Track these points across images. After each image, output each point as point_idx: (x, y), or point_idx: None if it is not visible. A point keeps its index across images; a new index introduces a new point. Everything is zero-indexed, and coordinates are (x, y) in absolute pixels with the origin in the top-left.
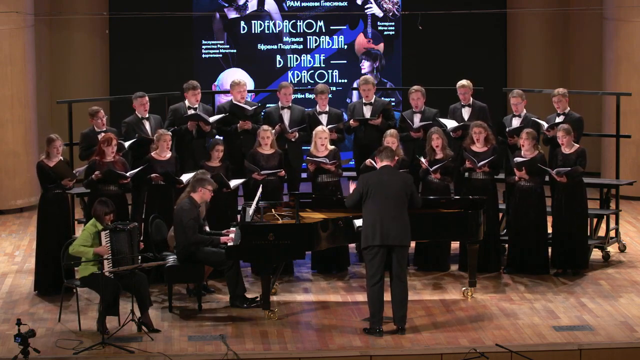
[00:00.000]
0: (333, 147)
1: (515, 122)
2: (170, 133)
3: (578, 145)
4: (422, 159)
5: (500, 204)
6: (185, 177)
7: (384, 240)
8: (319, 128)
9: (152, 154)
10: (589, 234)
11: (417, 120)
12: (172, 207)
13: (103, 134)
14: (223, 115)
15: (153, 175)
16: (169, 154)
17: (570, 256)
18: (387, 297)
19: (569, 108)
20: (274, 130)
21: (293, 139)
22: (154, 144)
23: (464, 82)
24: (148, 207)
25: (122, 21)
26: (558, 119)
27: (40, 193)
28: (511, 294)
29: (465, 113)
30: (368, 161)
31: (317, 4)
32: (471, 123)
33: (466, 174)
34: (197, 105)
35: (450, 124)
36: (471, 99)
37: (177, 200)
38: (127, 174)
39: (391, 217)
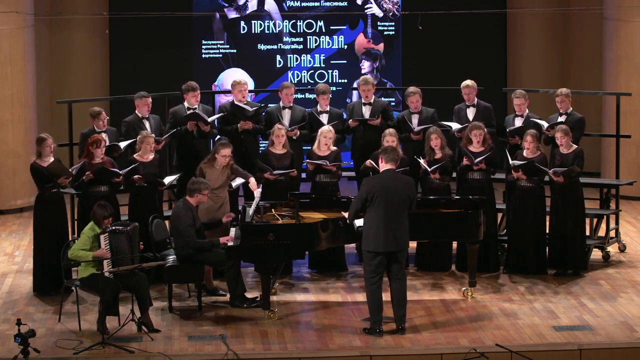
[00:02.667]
0: (335, 148)
1: (518, 122)
2: (153, 135)
3: (576, 146)
4: (421, 160)
5: (498, 204)
6: (168, 180)
7: (387, 247)
8: (325, 127)
9: (134, 155)
10: (588, 234)
11: (415, 121)
12: (156, 208)
13: (91, 137)
14: (222, 114)
15: (135, 176)
16: (151, 156)
17: (568, 256)
18: (387, 297)
19: (571, 108)
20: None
21: (294, 137)
22: (137, 145)
23: (468, 82)
24: (132, 209)
25: (122, 21)
26: (560, 119)
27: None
28: (511, 294)
29: (470, 113)
30: (368, 162)
31: (317, 4)
32: (469, 124)
33: (468, 175)
34: (196, 106)
35: (453, 126)
36: (475, 99)
37: (164, 200)
38: (121, 172)
39: (395, 223)
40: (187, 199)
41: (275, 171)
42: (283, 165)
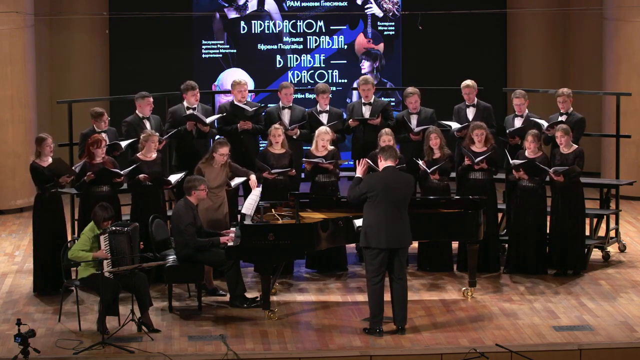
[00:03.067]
0: (332, 147)
1: (518, 122)
2: (157, 134)
3: (576, 146)
4: (420, 161)
5: (499, 204)
6: (174, 178)
7: (390, 244)
8: (322, 129)
9: (138, 154)
10: (588, 234)
11: (414, 121)
12: (160, 207)
13: (91, 137)
14: (220, 115)
15: (141, 175)
16: (154, 155)
17: (568, 256)
18: (387, 297)
19: (572, 108)
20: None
21: (295, 136)
22: (139, 144)
23: (468, 82)
24: (135, 208)
25: (122, 21)
26: (561, 119)
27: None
28: (511, 294)
29: (470, 113)
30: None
31: (317, 4)
32: (471, 124)
33: (470, 175)
34: (196, 106)
35: (453, 125)
36: (475, 99)
37: (166, 200)
38: (122, 172)
39: (396, 220)
40: (188, 198)
41: (274, 170)
42: (282, 165)
